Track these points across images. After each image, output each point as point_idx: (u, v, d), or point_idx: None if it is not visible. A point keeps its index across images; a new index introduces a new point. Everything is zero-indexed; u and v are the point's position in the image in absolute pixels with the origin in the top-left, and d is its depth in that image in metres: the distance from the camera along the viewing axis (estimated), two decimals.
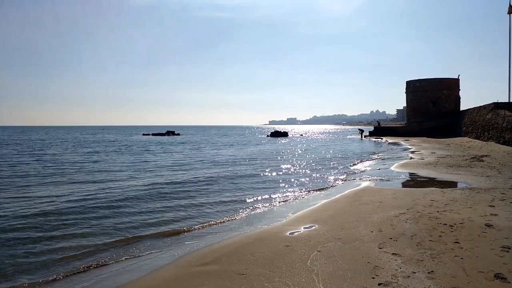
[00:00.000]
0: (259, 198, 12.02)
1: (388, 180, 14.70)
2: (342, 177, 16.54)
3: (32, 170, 19.76)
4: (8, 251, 7.12)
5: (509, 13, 37.16)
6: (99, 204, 11.04)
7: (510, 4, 36.55)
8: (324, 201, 11.12)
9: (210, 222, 9.10)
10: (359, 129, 67.74)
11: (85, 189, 13.65)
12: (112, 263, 6.58)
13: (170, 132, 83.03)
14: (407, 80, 56.62)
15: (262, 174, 17.89)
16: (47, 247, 7.34)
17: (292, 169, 19.85)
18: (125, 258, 6.76)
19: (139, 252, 7.07)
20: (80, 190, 13.46)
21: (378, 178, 15.41)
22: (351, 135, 75.43)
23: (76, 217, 9.60)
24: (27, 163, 23.50)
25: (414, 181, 14.55)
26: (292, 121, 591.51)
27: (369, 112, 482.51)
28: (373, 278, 5.13)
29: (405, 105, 60.49)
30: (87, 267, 6.39)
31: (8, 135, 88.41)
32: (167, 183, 15.09)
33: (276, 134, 73.76)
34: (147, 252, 7.05)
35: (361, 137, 59.50)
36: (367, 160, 24.01)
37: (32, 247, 7.33)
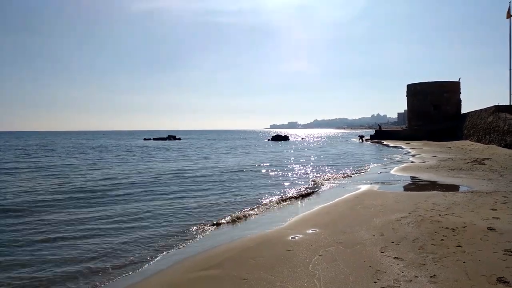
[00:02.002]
0: (261, 202, 11.99)
1: (389, 184, 14.67)
2: (343, 180, 16.51)
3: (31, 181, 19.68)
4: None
5: (508, 17, 37.24)
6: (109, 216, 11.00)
7: (509, 8, 36.62)
8: (325, 205, 11.08)
9: (211, 228, 9.07)
10: (359, 136, 68.01)
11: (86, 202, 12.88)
12: (114, 268, 6.55)
13: (171, 137, 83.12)
14: (408, 84, 56.65)
15: (263, 179, 17.87)
16: (45, 257, 7.32)
17: (292, 174, 19.83)
18: (127, 262, 6.74)
19: (140, 257, 7.04)
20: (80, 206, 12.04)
21: (380, 181, 15.37)
22: (352, 138, 75.41)
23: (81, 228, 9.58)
24: (23, 172, 23.34)
25: (415, 185, 14.52)
26: (293, 125, 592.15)
27: (370, 116, 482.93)
28: (375, 282, 5.11)
29: (406, 108, 60.48)
30: (88, 272, 6.37)
31: (4, 140, 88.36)
32: (175, 191, 15.05)
33: (277, 138, 73.90)
34: (148, 257, 7.03)
35: (362, 140, 59.54)
36: (368, 164, 23.98)
37: (26, 253, 7.32)
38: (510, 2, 36.63)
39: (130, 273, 6.28)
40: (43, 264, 6.71)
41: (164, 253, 7.22)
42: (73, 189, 14.75)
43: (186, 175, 19.69)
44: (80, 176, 18.99)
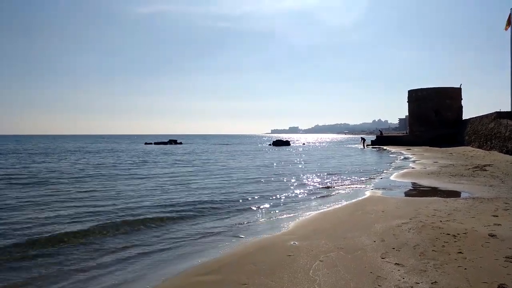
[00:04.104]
0: (261, 207, 11.97)
1: (390, 190, 14.65)
2: (343, 186, 16.48)
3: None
4: None
5: (506, 29, 37.05)
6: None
7: (509, 17, 36.55)
8: (326, 210, 11.08)
9: (213, 231, 9.05)
10: (361, 138, 67.61)
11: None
12: (113, 273, 6.53)
13: (172, 141, 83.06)
14: (409, 89, 56.72)
15: (264, 184, 17.84)
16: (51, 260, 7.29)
17: (293, 179, 19.80)
18: (126, 267, 6.73)
19: (139, 262, 7.03)
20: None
21: (380, 187, 15.36)
22: (353, 144, 75.32)
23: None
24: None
25: (416, 191, 14.49)
26: (294, 130, 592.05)
27: (371, 121, 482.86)
28: None
29: (407, 114, 60.52)
30: (90, 277, 6.35)
31: (4, 143, 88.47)
32: (171, 193, 15.06)
33: (278, 143, 73.82)
34: (147, 262, 7.01)
35: (363, 146, 59.39)
36: (369, 170, 23.95)
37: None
38: (511, 9, 36.68)
39: (130, 277, 6.28)
40: None
41: (163, 259, 7.21)
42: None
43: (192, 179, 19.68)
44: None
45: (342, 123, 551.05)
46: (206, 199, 13.65)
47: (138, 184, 17.52)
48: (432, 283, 5.17)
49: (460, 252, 6.35)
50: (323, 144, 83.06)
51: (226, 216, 10.78)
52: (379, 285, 5.18)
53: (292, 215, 10.74)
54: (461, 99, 54.12)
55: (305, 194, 14.48)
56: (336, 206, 11.61)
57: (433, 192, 13.67)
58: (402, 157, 33.53)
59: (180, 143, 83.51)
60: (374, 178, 18.93)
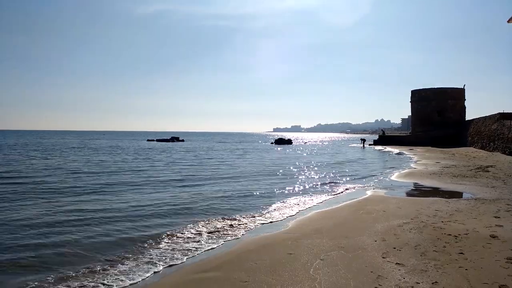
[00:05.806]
0: (262, 205, 11.98)
1: (392, 190, 14.63)
2: (345, 186, 16.47)
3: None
4: None
5: (509, 21, 36.79)
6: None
7: None
8: (327, 209, 11.08)
9: (213, 230, 9.07)
10: (361, 139, 67.64)
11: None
12: (117, 268, 6.56)
13: (174, 138, 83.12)
14: (412, 90, 56.62)
15: (264, 183, 17.85)
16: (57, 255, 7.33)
17: (294, 178, 19.81)
18: (129, 263, 6.75)
19: (141, 258, 7.05)
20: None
21: (382, 187, 15.34)
22: (355, 143, 75.18)
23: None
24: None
25: (418, 191, 14.48)
26: (296, 129, 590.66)
27: (373, 121, 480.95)
28: None
29: (410, 114, 60.39)
30: (94, 274, 6.38)
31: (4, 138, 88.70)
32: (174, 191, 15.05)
33: (280, 141, 73.75)
34: (148, 258, 7.03)
35: (363, 146, 59.36)
36: (371, 170, 23.93)
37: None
38: None
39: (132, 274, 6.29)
40: None
41: (165, 255, 7.22)
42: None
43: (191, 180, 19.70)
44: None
45: (345, 122, 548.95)
46: (207, 198, 13.70)
47: (141, 187, 17.57)
48: (432, 283, 5.17)
49: (461, 253, 6.35)
50: (325, 143, 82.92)
51: (226, 215, 10.79)
52: (379, 285, 5.18)
53: (293, 213, 10.75)
54: (464, 99, 53.99)
55: (306, 193, 14.47)
56: (337, 205, 11.60)
57: (434, 192, 13.65)
58: (403, 157, 33.47)
59: (182, 140, 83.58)
60: (375, 178, 18.91)
